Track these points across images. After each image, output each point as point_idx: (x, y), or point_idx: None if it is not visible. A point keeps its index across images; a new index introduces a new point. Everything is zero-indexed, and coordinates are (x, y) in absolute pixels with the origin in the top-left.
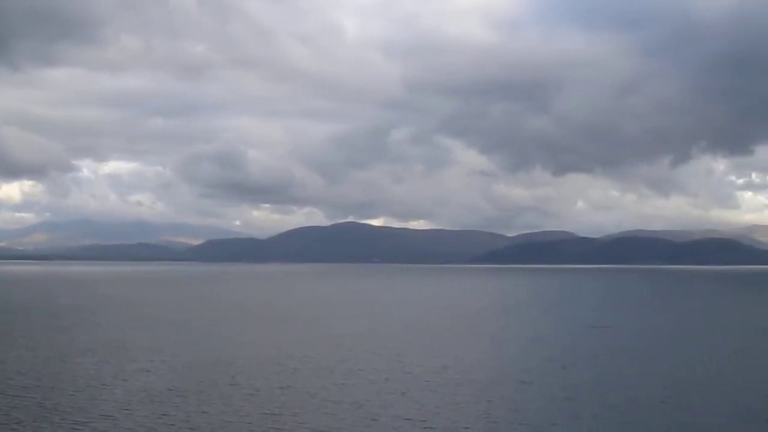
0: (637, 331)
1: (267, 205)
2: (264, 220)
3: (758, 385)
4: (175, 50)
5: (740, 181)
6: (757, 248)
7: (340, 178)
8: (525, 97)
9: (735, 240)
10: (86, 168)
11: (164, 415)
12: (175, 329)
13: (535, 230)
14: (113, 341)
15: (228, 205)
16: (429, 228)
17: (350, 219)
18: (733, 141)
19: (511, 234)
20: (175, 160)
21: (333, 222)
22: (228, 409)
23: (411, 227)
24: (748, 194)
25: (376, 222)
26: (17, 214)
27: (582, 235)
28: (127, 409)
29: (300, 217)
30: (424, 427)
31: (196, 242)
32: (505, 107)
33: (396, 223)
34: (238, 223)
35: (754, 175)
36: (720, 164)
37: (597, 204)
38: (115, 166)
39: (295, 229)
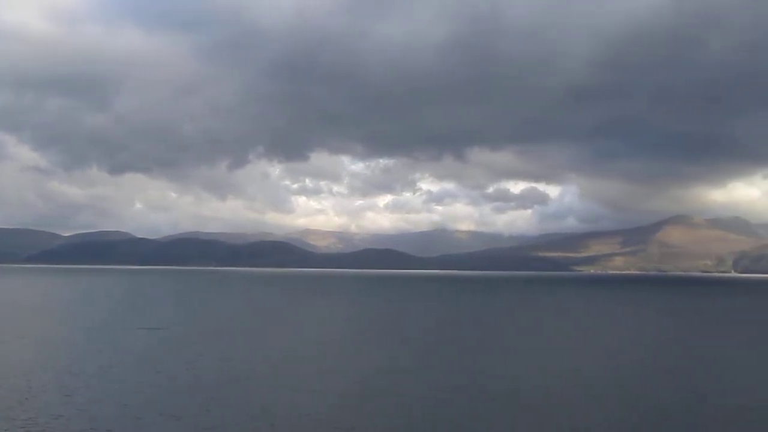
0: (189, 332)
1: None
2: None
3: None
4: None
5: (295, 186)
6: (309, 251)
7: None
8: (83, 93)
9: (288, 243)
10: None
11: None
12: None
13: (92, 230)
14: None
15: None
16: None
17: None
18: (290, 147)
19: (66, 233)
20: None
21: None
22: None
23: None
24: (302, 199)
25: None
26: None
27: (139, 235)
28: None
29: None
30: None
31: None
32: (61, 103)
33: None
34: None
35: (308, 181)
36: (276, 169)
37: (154, 205)
38: None
39: None
